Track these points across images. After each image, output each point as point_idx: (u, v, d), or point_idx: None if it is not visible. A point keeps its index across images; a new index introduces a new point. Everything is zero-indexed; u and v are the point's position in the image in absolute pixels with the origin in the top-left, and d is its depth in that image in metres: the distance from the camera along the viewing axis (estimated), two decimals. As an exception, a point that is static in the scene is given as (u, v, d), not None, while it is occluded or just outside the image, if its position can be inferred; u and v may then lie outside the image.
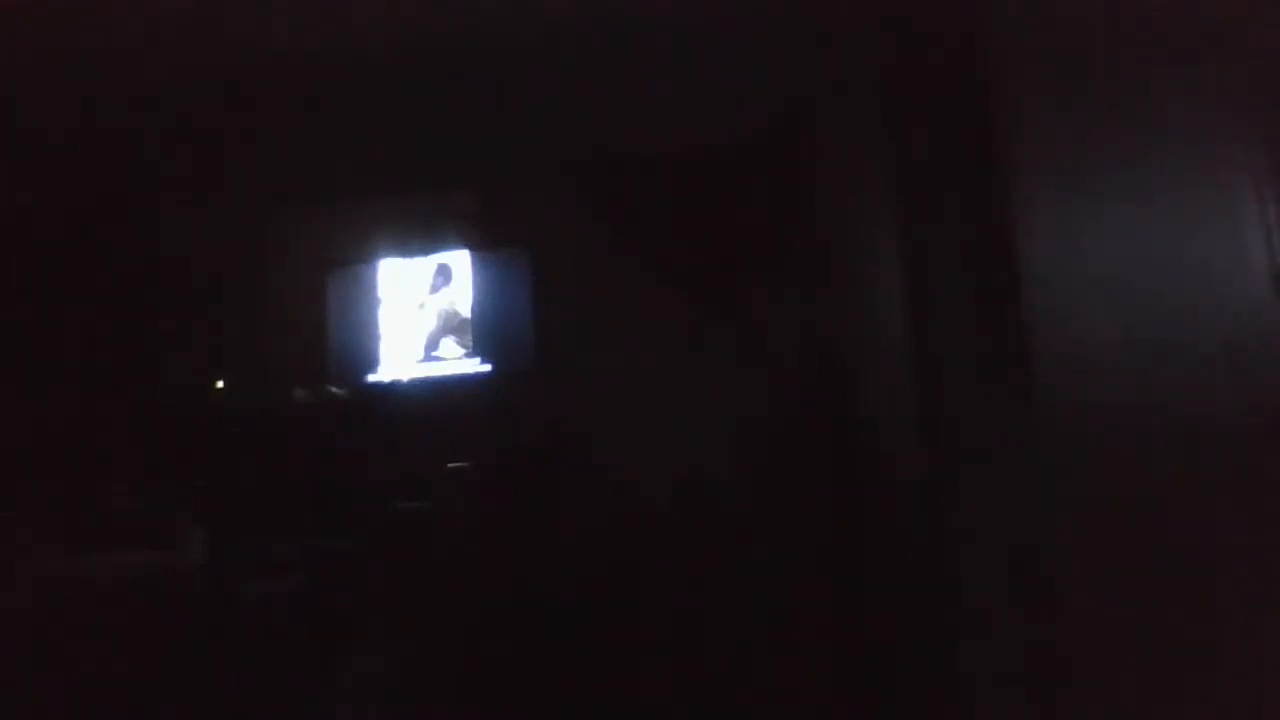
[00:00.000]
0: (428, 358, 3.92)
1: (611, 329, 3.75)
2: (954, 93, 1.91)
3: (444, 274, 3.96)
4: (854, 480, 2.87)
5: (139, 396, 3.66)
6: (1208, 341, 1.05)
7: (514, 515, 3.40)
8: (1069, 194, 1.44)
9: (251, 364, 3.87)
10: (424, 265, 3.98)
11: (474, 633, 3.13)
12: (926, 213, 1.99)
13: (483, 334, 3.89)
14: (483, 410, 3.81)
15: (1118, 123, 1.25)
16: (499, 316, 3.89)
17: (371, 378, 3.93)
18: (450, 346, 3.91)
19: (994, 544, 1.82)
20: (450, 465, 3.59)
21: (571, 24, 2.85)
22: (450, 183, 4.05)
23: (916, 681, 2.27)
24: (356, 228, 4.03)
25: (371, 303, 3.98)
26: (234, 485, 3.50)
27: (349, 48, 2.92)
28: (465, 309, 3.92)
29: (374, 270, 3.99)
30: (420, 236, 3.99)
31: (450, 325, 3.93)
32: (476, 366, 3.87)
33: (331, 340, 3.98)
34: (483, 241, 3.96)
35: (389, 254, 3.99)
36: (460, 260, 3.95)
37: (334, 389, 3.90)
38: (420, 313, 3.96)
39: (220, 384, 3.83)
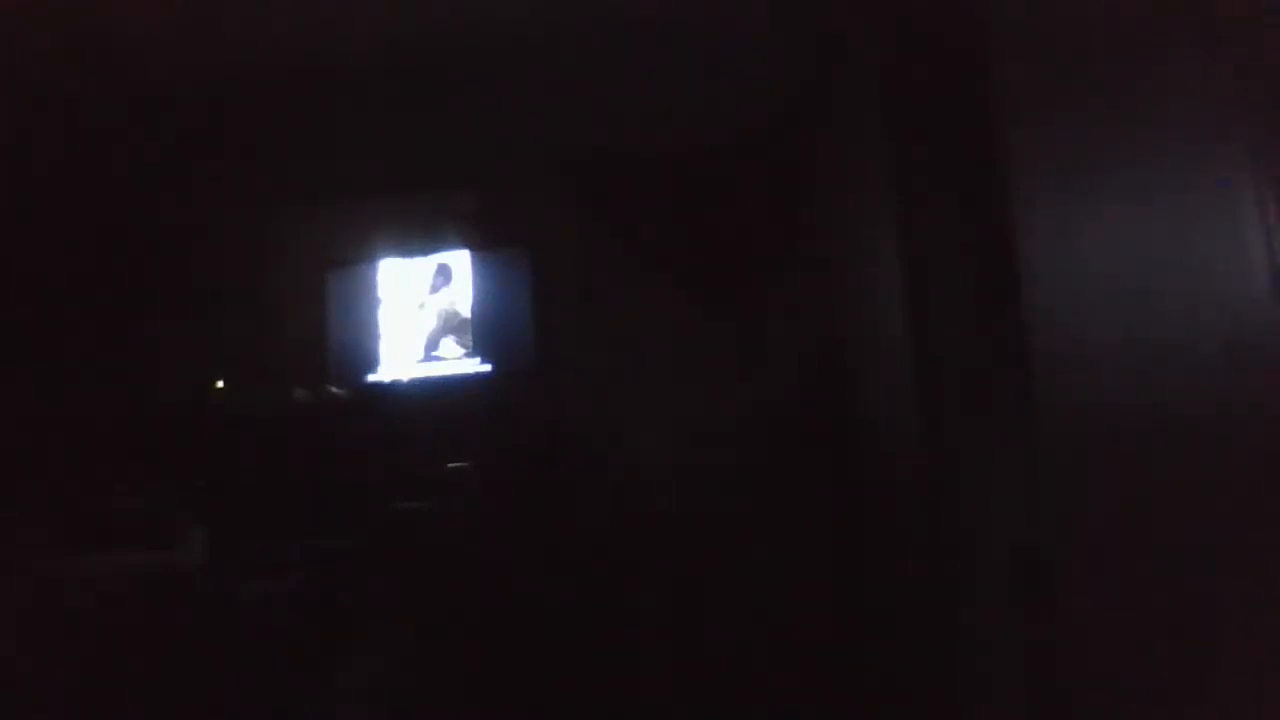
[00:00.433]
0: (428, 358, 3.92)
1: (612, 329, 3.74)
2: (954, 93, 1.91)
3: (444, 274, 3.96)
4: (854, 480, 2.87)
5: (139, 396, 3.66)
6: (1208, 341, 1.05)
7: (514, 515, 3.40)
8: (1069, 194, 1.45)
9: (251, 364, 3.87)
10: (424, 265, 3.97)
11: (474, 632, 3.13)
12: (926, 213, 1.99)
13: (483, 334, 3.89)
14: (483, 410, 3.81)
15: (1118, 123, 1.25)
16: (499, 316, 3.89)
17: (371, 378, 3.92)
18: (450, 346, 3.91)
19: (994, 544, 1.82)
20: (450, 465, 3.59)
21: (571, 24, 2.85)
22: (450, 183, 4.04)
23: (916, 681, 2.27)
24: (356, 228, 4.02)
25: (371, 303, 3.98)
26: (234, 485, 3.49)
27: (349, 48, 2.93)
28: (465, 309, 3.92)
29: (374, 270, 3.99)
30: (420, 236, 3.98)
31: (450, 325, 3.93)
32: (477, 366, 3.87)
33: (331, 340, 3.98)
34: (483, 241, 3.96)
35: (389, 254, 3.99)
36: (460, 260, 3.95)
37: (334, 389, 3.90)
38: (420, 313, 3.96)
39: (220, 384, 3.83)
